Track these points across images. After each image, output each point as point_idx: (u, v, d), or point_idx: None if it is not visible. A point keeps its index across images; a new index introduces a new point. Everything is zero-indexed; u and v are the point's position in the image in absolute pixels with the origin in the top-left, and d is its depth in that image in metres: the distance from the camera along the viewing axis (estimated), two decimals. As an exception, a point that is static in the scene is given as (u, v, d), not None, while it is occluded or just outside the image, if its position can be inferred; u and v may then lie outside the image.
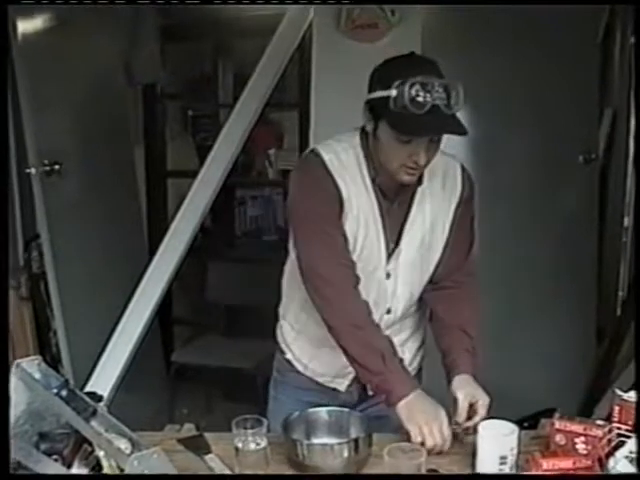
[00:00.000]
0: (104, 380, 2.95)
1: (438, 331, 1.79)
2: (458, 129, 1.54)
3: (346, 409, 1.66)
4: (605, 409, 1.89)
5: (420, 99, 1.49)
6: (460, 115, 1.55)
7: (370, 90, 1.60)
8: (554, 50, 2.85)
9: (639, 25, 2.32)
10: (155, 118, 4.09)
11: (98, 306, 3.13)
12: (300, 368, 1.84)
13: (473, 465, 1.50)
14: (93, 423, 1.36)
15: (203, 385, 3.78)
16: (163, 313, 3.53)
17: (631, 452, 1.43)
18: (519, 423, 1.51)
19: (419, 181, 1.68)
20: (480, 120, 2.63)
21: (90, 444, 1.37)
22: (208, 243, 4.22)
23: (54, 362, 3.00)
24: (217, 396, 3.80)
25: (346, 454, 1.48)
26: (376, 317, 1.68)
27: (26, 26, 2.77)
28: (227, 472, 1.50)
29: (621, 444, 1.46)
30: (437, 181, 1.72)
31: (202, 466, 1.53)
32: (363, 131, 1.68)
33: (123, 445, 1.34)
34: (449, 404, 1.64)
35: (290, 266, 1.82)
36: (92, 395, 1.45)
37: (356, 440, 1.51)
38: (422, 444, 1.52)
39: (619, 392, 1.52)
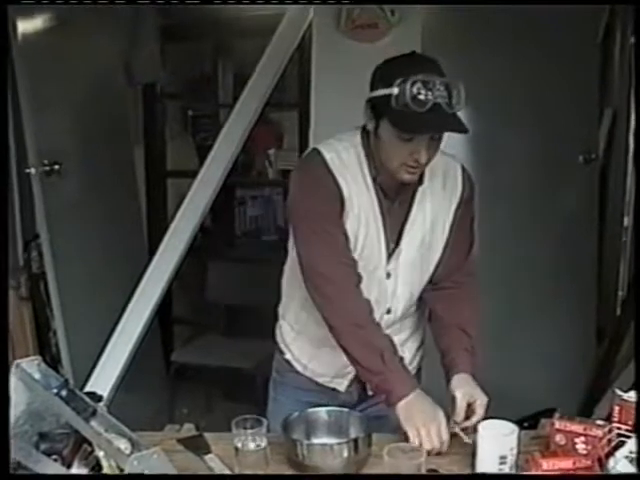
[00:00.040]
0: (104, 380, 2.95)
1: (437, 330, 1.79)
2: (459, 127, 1.54)
3: (346, 409, 1.66)
4: (605, 409, 1.89)
5: (422, 97, 1.50)
6: (460, 115, 1.56)
7: (372, 89, 1.60)
8: (554, 50, 2.85)
9: (639, 25, 2.32)
10: (155, 118, 4.09)
11: (98, 306, 3.13)
12: (299, 368, 1.84)
13: (473, 465, 1.50)
14: (93, 423, 1.36)
15: (203, 385, 3.78)
16: (163, 313, 3.53)
17: (631, 452, 1.43)
18: (519, 423, 1.51)
19: (420, 181, 1.68)
20: (480, 120, 2.62)
21: (90, 444, 1.37)
22: (208, 243, 4.22)
23: (54, 362, 3.00)
24: (217, 396, 3.80)
25: (346, 454, 1.48)
26: (376, 317, 1.68)
27: (26, 26, 2.77)
28: (227, 472, 1.49)
29: (621, 444, 1.46)
30: (438, 181, 1.72)
31: (202, 466, 1.53)
32: (364, 130, 1.68)
33: (123, 445, 1.34)
34: (448, 404, 1.64)
35: (290, 266, 1.82)
36: (92, 395, 1.45)
37: (356, 440, 1.51)
38: (420, 445, 1.52)
39: (619, 392, 1.52)
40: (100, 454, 1.34)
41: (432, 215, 1.72)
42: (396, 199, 1.69)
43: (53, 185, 2.87)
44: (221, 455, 1.55)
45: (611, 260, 3.49)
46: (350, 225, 1.65)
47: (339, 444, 1.51)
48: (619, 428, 1.49)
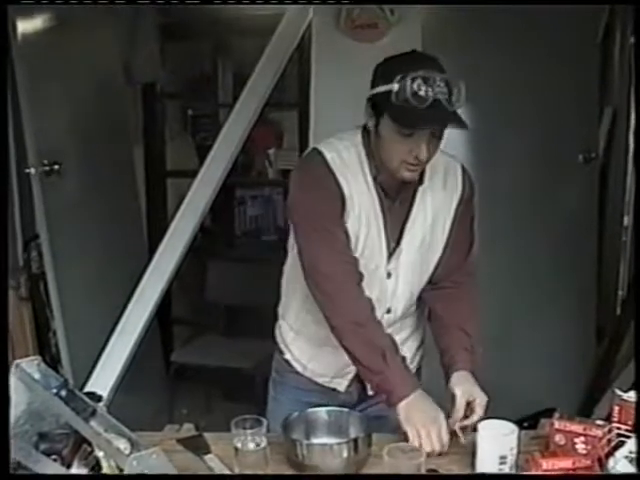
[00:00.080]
0: (103, 380, 2.95)
1: (437, 330, 1.79)
2: (459, 123, 1.54)
3: (345, 409, 1.66)
4: (605, 409, 1.89)
5: (422, 93, 1.50)
6: (460, 113, 1.56)
7: (372, 86, 1.60)
8: (554, 50, 2.85)
9: (639, 25, 2.31)
10: (155, 118, 4.09)
11: (98, 306, 3.13)
12: (299, 369, 1.84)
13: (473, 465, 1.50)
14: (92, 423, 1.36)
15: (202, 385, 3.78)
16: (163, 313, 3.53)
17: (631, 452, 1.43)
18: (519, 423, 1.51)
19: (420, 180, 1.68)
20: (480, 120, 2.61)
21: (89, 444, 1.37)
22: (208, 243, 4.22)
23: (53, 362, 2.99)
24: (217, 396, 3.80)
25: (345, 454, 1.48)
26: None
27: (26, 26, 2.76)
28: (226, 472, 1.49)
29: (621, 444, 1.46)
30: (438, 181, 1.72)
31: (201, 466, 1.53)
32: (365, 129, 1.68)
33: (122, 445, 1.34)
34: (448, 404, 1.64)
35: (290, 266, 1.82)
36: (91, 395, 1.45)
37: (355, 440, 1.51)
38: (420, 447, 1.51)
39: (619, 392, 1.52)
40: (100, 454, 1.34)
41: (432, 215, 1.72)
42: (397, 198, 1.69)
43: (53, 185, 2.87)
44: (221, 455, 1.55)
45: (611, 260, 3.49)
46: (351, 224, 1.66)
47: (339, 444, 1.51)
48: (619, 428, 1.48)
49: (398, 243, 1.70)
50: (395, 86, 1.52)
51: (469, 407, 1.62)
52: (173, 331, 4.08)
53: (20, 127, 2.75)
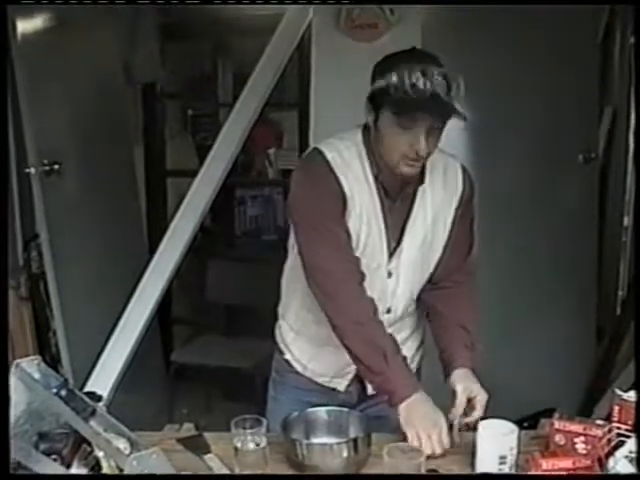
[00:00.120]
0: (103, 380, 2.95)
1: (436, 327, 1.79)
2: (458, 115, 1.54)
3: (345, 409, 1.66)
4: (605, 409, 1.90)
5: (420, 85, 1.50)
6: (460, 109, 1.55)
7: (372, 83, 1.60)
8: (554, 50, 2.85)
9: (639, 25, 2.31)
10: (155, 117, 4.09)
11: (98, 306, 3.13)
12: (299, 369, 1.84)
13: (473, 465, 1.50)
14: (92, 423, 1.36)
15: (202, 385, 3.78)
16: (163, 312, 3.53)
17: (631, 452, 1.43)
18: (519, 423, 1.51)
19: (421, 180, 1.68)
20: (480, 120, 2.62)
21: (89, 444, 1.37)
22: (208, 243, 4.22)
23: (53, 362, 2.99)
24: (216, 396, 3.80)
25: (345, 454, 1.48)
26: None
27: (25, 26, 2.76)
28: (226, 472, 1.49)
29: (621, 444, 1.46)
30: (438, 180, 1.72)
31: (201, 466, 1.53)
32: (365, 128, 1.68)
33: (122, 445, 1.34)
34: (447, 403, 1.63)
35: (290, 265, 1.82)
36: (91, 395, 1.45)
37: (355, 440, 1.51)
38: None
39: (619, 392, 1.52)
40: (99, 454, 1.34)
41: (433, 214, 1.72)
42: (397, 198, 1.69)
43: (53, 185, 2.87)
44: (220, 455, 1.55)
45: (611, 259, 3.49)
46: (352, 224, 1.65)
47: (338, 444, 1.51)
48: (619, 428, 1.48)
49: (399, 242, 1.70)
50: (394, 79, 1.51)
51: (469, 404, 1.62)
52: (173, 331, 4.08)
53: (20, 127, 2.75)
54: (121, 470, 1.30)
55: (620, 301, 3.48)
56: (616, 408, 1.50)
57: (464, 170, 1.77)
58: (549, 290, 3.03)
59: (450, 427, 1.58)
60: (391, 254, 1.70)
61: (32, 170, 2.79)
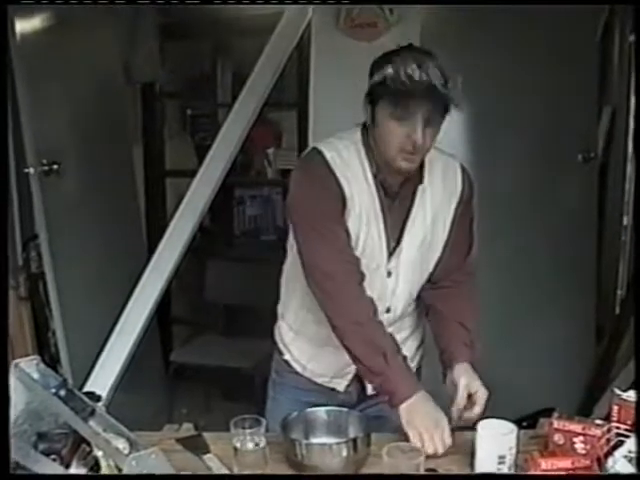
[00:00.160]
0: (103, 380, 2.95)
1: (436, 325, 1.79)
2: (455, 106, 1.54)
3: (345, 409, 1.66)
4: (604, 408, 1.89)
5: (416, 77, 1.50)
6: (460, 113, 1.55)
7: (369, 79, 1.60)
8: (553, 49, 2.85)
9: (638, 24, 2.32)
10: (154, 117, 4.09)
11: (97, 306, 3.13)
12: (298, 369, 1.83)
13: (472, 465, 1.50)
14: (91, 423, 1.36)
15: (202, 385, 3.78)
16: (162, 312, 3.53)
17: (630, 452, 1.42)
18: (518, 422, 1.51)
19: (420, 180, 1.68)
20: (480, 120, 2.63)
21: (88, 444, 1.37)
22: (207, 242, 4.22)
23: (53, 362, 2.99)
24: (216, 396, 3.80)
25: (345, 454, 1.48)
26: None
27: (24, 25, 2.76)
28: (225, 472, 1.49)
29: (620, 444, 1.46)
30: (437, 180, 1.72)
31: (201, 466, 1.53)
32: (364, 127, 1.68)
33: (121, 445, 1.34)
34: (447, 403, 1.63)
35: (289, 265, 1.82)
36: (91, 395, 1.45)
37: (355, 440, 1.51)
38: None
39: (618, 391, 1.52)
40: (99, 454, 1.34)
41: (432, 214, 1.72)
42: (397, 197, 1.69)
43: (52, 185, 2.86)
44: (220, 455, 1.55)
45: (610, 259, 3.49)
46: (352, 223, 1.65)
47: (338, 444, 1.51)
48: (618, 428, 1.48)
49: (398, 242, 1.70)
50: (389, 71, 1.52)
51: (470, 400, 1.63)
52: (172, 331, 4.08)
53: (19, 127, 2.75)
54: (120, 470, 1.30)
55: (619, 300, 3.48)
56: (615, 408, 1.50)
57: (463, 170, 1.77)
58: (549, 290, 3.03)
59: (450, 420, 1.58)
60: (390, 254, 1.70)
61: (31, 170, 2.79)
